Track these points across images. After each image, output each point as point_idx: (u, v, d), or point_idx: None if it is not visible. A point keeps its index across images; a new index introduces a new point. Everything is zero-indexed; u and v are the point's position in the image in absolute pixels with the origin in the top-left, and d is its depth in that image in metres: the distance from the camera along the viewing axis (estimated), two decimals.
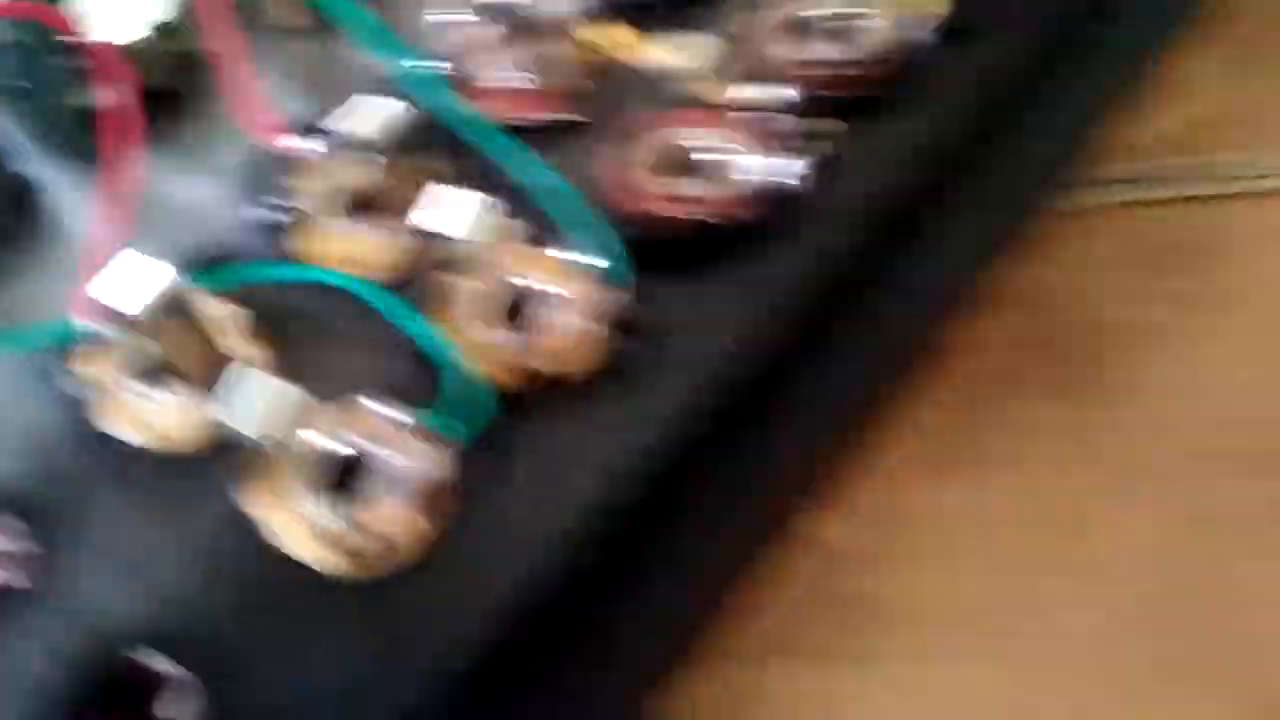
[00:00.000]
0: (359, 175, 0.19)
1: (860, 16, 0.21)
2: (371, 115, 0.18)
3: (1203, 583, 0.30)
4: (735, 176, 0.19)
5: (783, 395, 0.19)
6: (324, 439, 0.16)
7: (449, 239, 0.17)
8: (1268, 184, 0.39)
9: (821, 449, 0.19)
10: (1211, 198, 0.39)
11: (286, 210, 0.19)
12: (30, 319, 0.20)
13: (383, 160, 0.19)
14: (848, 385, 0.19)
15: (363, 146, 0.18)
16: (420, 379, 0.18)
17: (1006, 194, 0.22)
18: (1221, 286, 0.37)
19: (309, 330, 0.19)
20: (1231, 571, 0.30)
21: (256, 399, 0.15)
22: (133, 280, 0.17)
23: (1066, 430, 0.35)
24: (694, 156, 0.20)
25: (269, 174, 0.21)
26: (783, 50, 0.21)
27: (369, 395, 0.17)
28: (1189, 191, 0.38)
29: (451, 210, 0.17)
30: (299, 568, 0.16)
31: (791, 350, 0.18)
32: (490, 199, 0.17)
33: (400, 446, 0.16)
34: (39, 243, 0.21)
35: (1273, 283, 0.37)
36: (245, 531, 0.16)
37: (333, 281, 0.19)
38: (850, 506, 0.31)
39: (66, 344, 0.18)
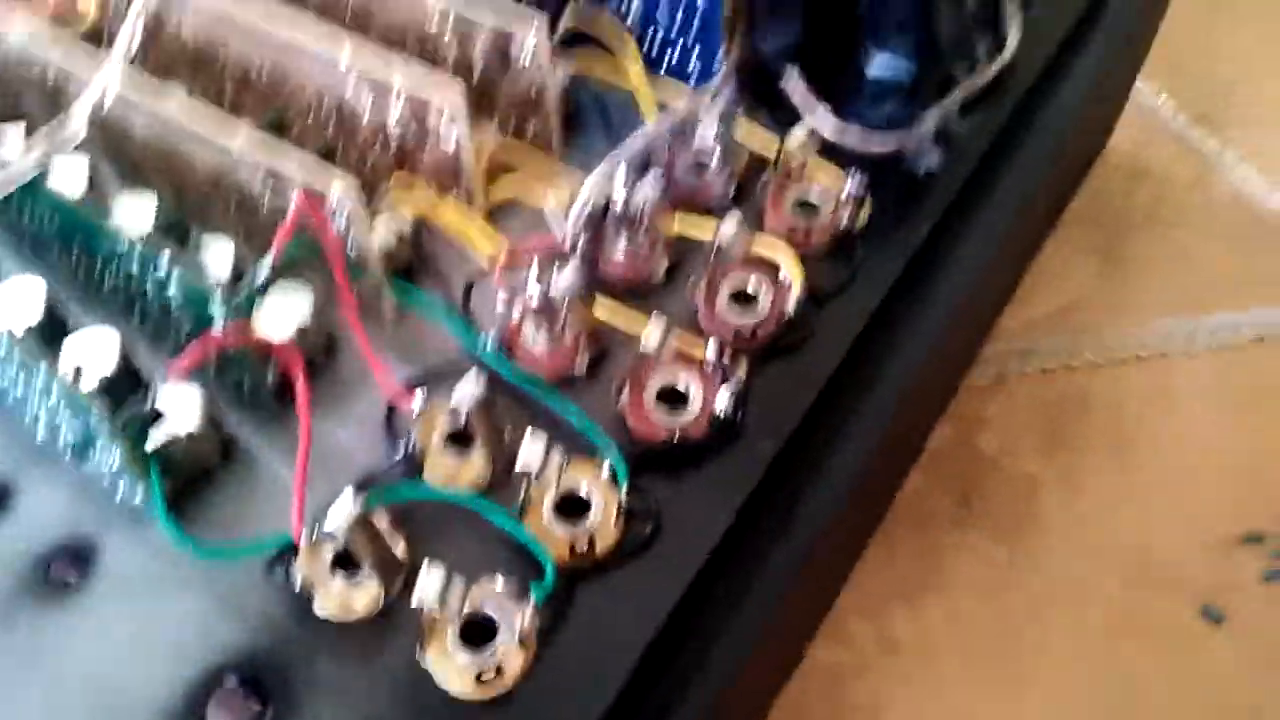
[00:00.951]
0: (457, 423, 0.30)
1: (757, 294, 0.33)
2: (462, 391, 0.29)
3: (1116, 689, 0.41)
4: (694, 407, 0.31)
5: (756, 560, 0.29)
6: (467, 605, 0.26)
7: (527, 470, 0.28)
8: (1128, 353, 0.52)
9: (802, 591, 0.30)
10: (1086, 367, 0.52)
11: (410, 443, 0.30)
12: (242, 532, 0.30)
13: (472, 415, 0.30)
14: (806, 545, 0.30)
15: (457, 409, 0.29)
16: (505, 560, 0.29)
17: (889, 393, 0.33)
18: (1093, 439, 0.51)
19: (436, 530, 0.29)
20: (1135, 665, 0.41)
21: (432, 583, 0.26)
22: (333, 509, 0.27)
23: (993, 562, 0.48)
24: (682, 392, 0.31)
25: (398, 423, 0.32)
26: (714, 316, 0.33)
27: (485, 573, 0.28)
28: (1067, 362, 0.51)
29: (527, 451, 0.28)
30: (451, 698, 0.26)
31: (752, 525, 0.29)
32: (547, 439, 0.28)
33: (508, 607, 0.27)
34: (243, 479, 0.31)
35: (1140, 434, 0.51)
36: (420, 675, 0.26)
37: (445, 498, 0.29)
38: (840, 633, 0.43)
39: (286, 550, 0.29)
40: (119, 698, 0.27)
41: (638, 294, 0.35)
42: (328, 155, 0.36)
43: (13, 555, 0.30)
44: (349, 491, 0.27)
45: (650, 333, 0.30)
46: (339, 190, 0.31)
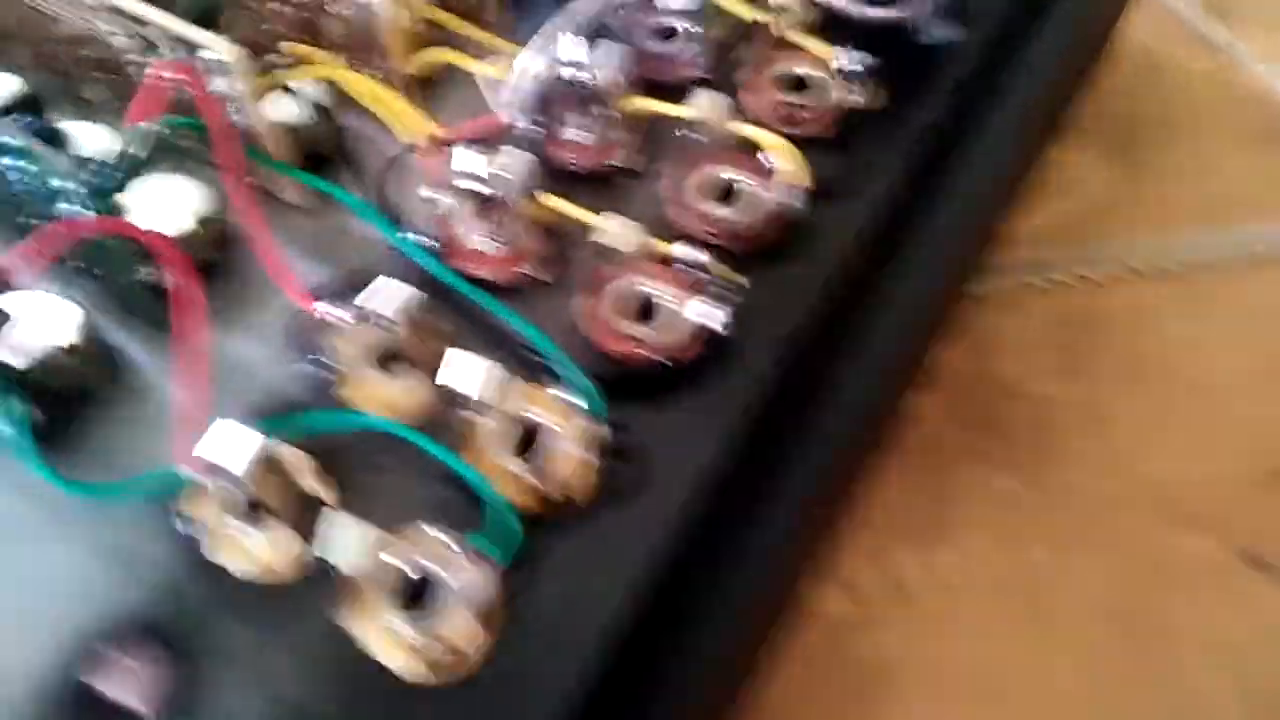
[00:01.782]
0: (384, 338, 0.25)
1: (746, 184, 0.28)
2: (392, 297, 0.24)
3: (1144, 629, 0.37)
4: (676, 321, 0.26)
5: (752, 495, 0.25)
6: (399, 564, 0.21)
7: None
8: (1149, 266, 0.47)
9: (803, 531, 0.25)
10: (1106, 281, 0.47)
11: (330, 367, 0.25)
12: (123, 467, 0.25)
13: (400, 328, 0.24)
14: (805, 481, 0.26)
15: (386, 320, 0.24)
16: (454, 505, 0.24)
17: (906, 305, 0.29)
18: (1114, 361, 0.46)
19: (363, 468, 0.24)
20: (1169, 616, 0.37)
21: (345, 538, 0.21)
22: (229, 441, 0.22)
23: (1011, 500, 0.43)
24: (653, 302, 0.26)
25: (309, 336, 0.26)
26: (692, 213, 0.28)
27: (425, 522, 0.23)
28: (1085, 274, 0.46)
29: (464, 372, 0.23)
30: (390, 676, 0.21)
31: (749, 458, 0.25)
32: (494, 364, 0.23)
33: (458, 567, 0.22)
34: (124, 400, 0.25)
35: (1155, 357, 0.46)
36: (345, 646, 0.22)
37: (379, 426, 0.24)
38: (845, 579, 0.38)
39: (173, 491, 0.24)
40: None
41: (595, 186, 0.30)
42: (207, 18, 0.29)
43: None
44: (253, 432, 0.22)
45: (614, 229, 0.25)
46: (222, 54, 0.25)
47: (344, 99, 0.30)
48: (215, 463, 0.22)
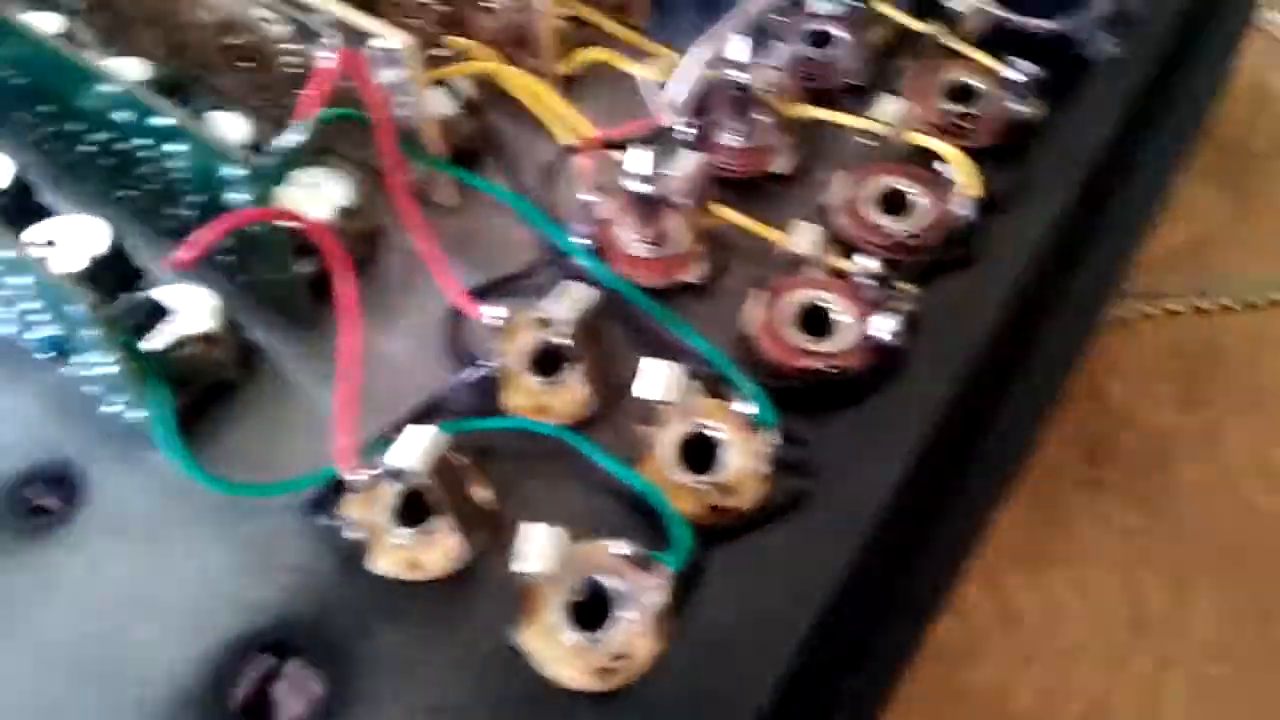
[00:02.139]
0: (545, 338, 0.24)
1: (918, 195, 0.27)
2: (578, 301, 0.23)
3: (1259, 668, 0.35)
4: (850, 334, 0.24)
5: (924, 512, 0.23)
6: (576, 574, 0.20)
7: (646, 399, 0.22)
8: (1263, 298, 0.46)
9: (972, 550, 0.24)
10: (1219, 312, 0.46)
11: (491, 369, 0.24)
12: (260, 464, 0.24)
13: (569, 330, 0.23)
14: (978, 499, 0.24)
15: (560, 324, 0.23)
16: (614, 512, 0.23)
17: (1075, 321, 0.27)
18: (1231, 392, 0.45)
19: (520, 473, 0.23)
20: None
21: (541, 549, 0.20)
22: (413, 445, 0.20)
23: (1126, 530, 0.41)
24: (827, 314, 0.25)
25: (468, 337, 0.25)
26: (864, 223, 0.27)
27: (599, 532, 0.21)
28: (1197, 304, 0.45)
29: (656, 379, 0.22)
30: (553, 684, 0.20)
31: (922, 474, 0.23)
32: (679, 366, 0.22)
33: (632, 578, 0.20)
34: (262, 396, 0.25)
35: (1271, 389, 0.45)
36: (507, 652, 0.20)
37: (544, 431, 0.23)
38: (957, 605, 0.36)
39: (330, 492, 0.23)
40: (117, 668, 0.21)
41: (747, 192, 0.29)
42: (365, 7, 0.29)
43: None
44: (428, 429, 0.21)
45: (799, 239, 0.24)
46: (393, 43, 0.24)
47: (492, 95, 0.30)
48: (399, 466, 0.20)
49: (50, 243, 0.24)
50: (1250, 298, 0.44)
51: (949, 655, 0.35)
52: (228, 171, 0.22)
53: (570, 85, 0.31)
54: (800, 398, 0.24)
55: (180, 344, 0.23)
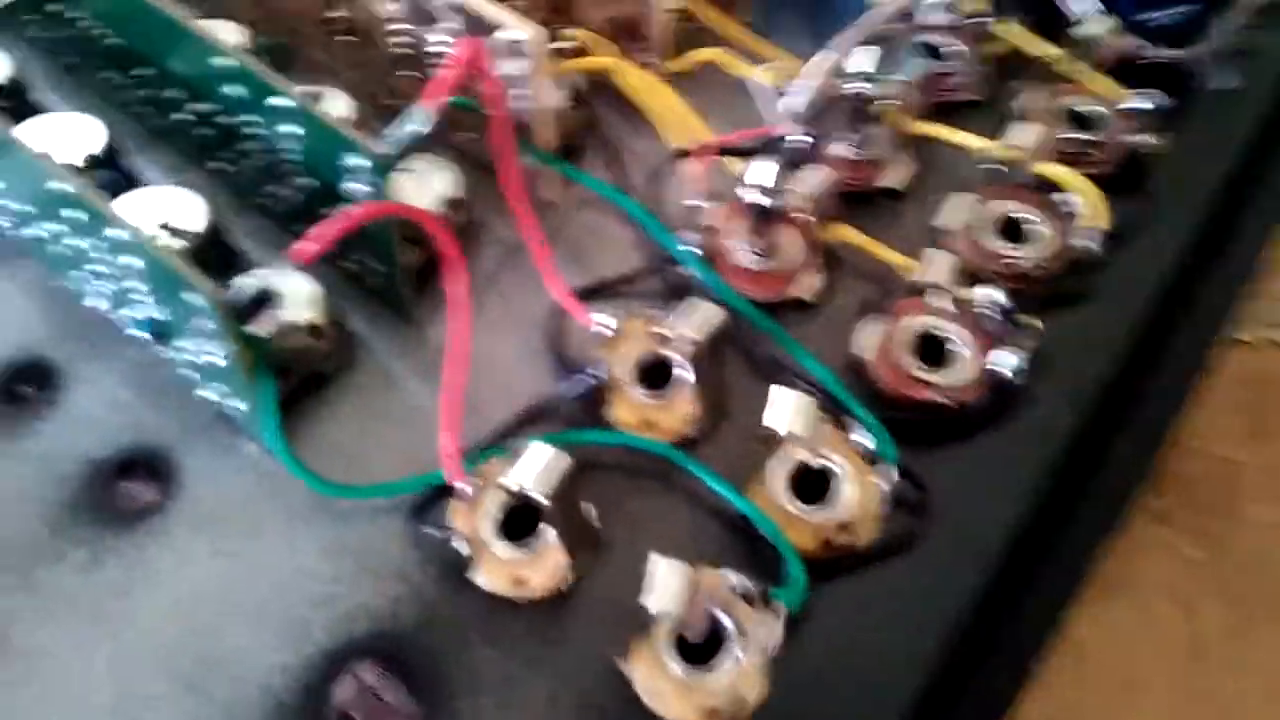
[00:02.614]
0: (661, 353, 0.23)
1: (1038, 223, 0.26)
2: (707, 319, 0.22)
3: None
4: (969, 366, 0.24)
5: (1040, 552, 0.23)
6: (703, 601, 0.20)
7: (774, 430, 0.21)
8: None
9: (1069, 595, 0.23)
10: None
11: (598, 379, 0.23)
12: (355, 461, 0.23)
13: (692, 349, 0.22)
14: (1091, 538, 0.23)
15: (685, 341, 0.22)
16: (720, 538, 0.22)
17: (1191, 355, 0.26)
18: None
19: (628, 491, 0.23)
20: None
21: (670, 584, 0.19)
22: (537, 462, 0.20)
23: (1191, 563, 0.41)
24: (944, 345, 0.24)
25: (569, 340, 0.24)
26: (983, 250, 0.26)
27: (700, 561, 0.21)
28: (1271, 337, 0.45)
29: (780, 408, 0.21)
30: (653, 715, 0.19)
31: (1041, 513, 0.23)
32: (810, 399, 0.21)
33: (748, 615, 0.20)
34: (362, 392, 0.24)
35: None
36: (606, 678, 0.20)
37: (653, 449, 0.22)
38: None
39: (433, 496, 0.22)
40: (207, 669, 0.20)
41: (858, 207, 0.27)
42: None
43: (65, 464, 0.22)
44: (535, 443, 0.20)
45: (932, 268, 0.23)
46: (521, 34, 0.23)
47: (598, 89, 0.29)
48: (524, 488, 0.20)
49: (162, 223, 0.23)
50: None
51: None
52: (350, 160, 0.22)
53: (674, 83, 0.30)
54: (913, 430, 0.23)
55: (285, 333, 0.22)
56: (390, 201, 0.21)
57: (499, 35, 0.23)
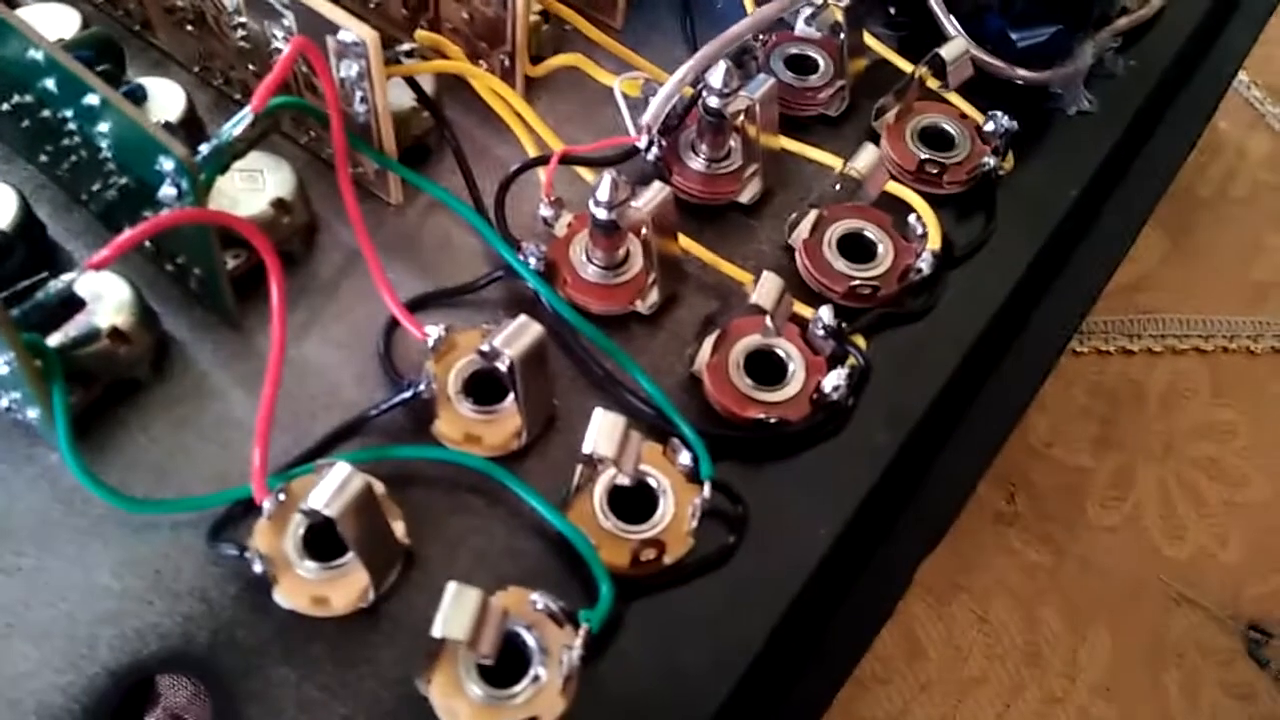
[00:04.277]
0: (485, 367, 0.23)
1: (882, 243, 0.26)
2: (524, 338, 0.21)
3: (1144, 712, 0.36)
4: (797, 385, 0.24)
5: (854, 570, 0.23)
6: (496, 627, 0.19)
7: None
8: (1186, 343, 0.47)
9: (885, 609, 0.23)
10: (1139, 353, 0.47)
11: (419, 389, 0.22)
12: (166, 475, 0.22)
13: (509, 365, 0.22)
14: (910, 554, 0.24)
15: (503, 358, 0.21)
16: (545, 556, 0.22)
17: (1017, 378, 0.27)
18: (1145, 437, 0.46)
19: (448, 506, 0.22)
20: (1169, 702, 0.38)
21: (461, 611, 0.18)
22: (331, 481, 0.19)
23: (1033, 567, 0.43)
24: (777, 364, 0.24)
25: (403, 349, 0.24)
26: (825, 267, 0.26)
27: (509, 579, 0.20)
28: (1125, 346, 0.47)
29: (599, 431, 0.20)
30: None
31: (858, 530, 0.23)
32: (621, 419, 0.21)
33: (554, 635, 0.20)
34: (175, 400, 0.23)
35: (1186, 437, 0.46)
36: (420, 706, 0.19)
37: (473, 465, 0.22)
38: None
39: (239, 512, 0.21)
40: None
41: (708, 220, 0.27)
42: None
43: None
44: (338, 463, 0.19)
45: (761, 291, 0.23)
46: (356, 36, 0.23)
47: (452, 91, 0.28)
48: (315, 507, 0.19)
49: None
50: (1174, 342, 0.45)
51: (853, 679, 0.36)
52: (163, 163, 0.21)
53: (545, 87, 0.29)
54: (743, 446, 0.23)
55: (87, 339, 0.21)
56: (196, 208, 0.21)
57: (336, 36, 0.22)
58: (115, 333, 0.22)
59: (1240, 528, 0.43)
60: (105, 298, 0.22)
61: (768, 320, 0.23)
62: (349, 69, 0.23)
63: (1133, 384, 0.47)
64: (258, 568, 0.20)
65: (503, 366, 0.21)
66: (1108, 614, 0.38)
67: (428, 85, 0.27)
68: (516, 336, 0.21)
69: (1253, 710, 0.37)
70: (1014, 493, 0.42)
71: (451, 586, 0.18)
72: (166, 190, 0.21)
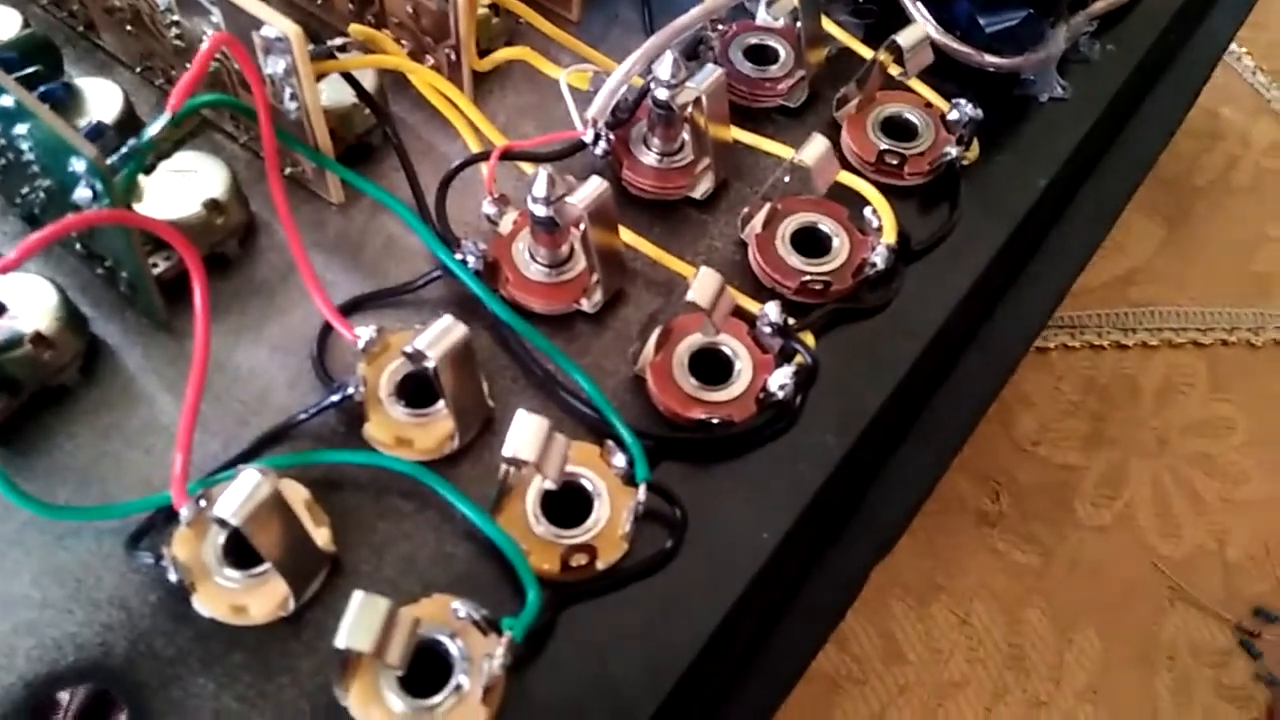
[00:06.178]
0: (417, 372, 0.22)
1: (836, 237, 0.25)
2: (440, 339, 0.20)
3: (1130, 716, 0.34)
4: (743, 385, 0.23)
5: (796, 577, 0.22)
6: (405, 637, 0.19)
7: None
8: (1182, 335, 0.46)
9: (833, 615, 0.22)
10: (1133, 346, 0.46)
11: (349, 393, 0.22)
12: (90, 481, 0.21)
13: (434, 366, 0.21)
14: (858, 561, 0.23)
15: (428, 359, 0.21)
16: (477, 561, 0.21)
17: (979, 377, 0.26)
18: (1138, 434, 0.45)
19: (368, 509, 0.21)
20: (1159, 704, 0.37)
21: (367, 620, 0.17)
22: (240, 489, 0.18)
23: (1017, 567, 0.42)
24: (722, 362, 0.23)
25: (337, 352, 0.23)
26: (779, 264, 0.25)
27: (438, 585, 0.20)
28: (1119, 340, 0.45)
29: (519, 434, 0.20)
30: None
31: (804, 535, 0.22)
32: (544, 422, 0.20)
33: (478, 643, 0.19)
34: (101, 405, 0.22)
35: (1179, 434, 0.44)
36: (340, 716, 0.19)
37: (407, 471, 0.21)
38: (841, 634, 0.36)
39: (161, 520, 0.21)
40: None
41: (660, 214, 0.27)
42: None
43: None
44: (255, 471, 0.19)
45: (699, 287, 0.22)
46: (278, 31, 0.22)
47: (398, 88, 0.27)
48: (221, 515, 0.18)
49: None
50: (1170, 334, 0.43)
51: (829, 681, 0.35)
52: (76, 163, 0.20)
53: (489, 77, 0.29)
54: (683, 447, 0.23)
55: (9, 345, 0.21)
56: (111, 209, 0.20)
57: (260, 32, 0.22)
58: (39, 338, 0.21)
59: (1240, 525, 0.41)
60: (30, 302, 0.22)
61: (706, 318, 0.22)
62: (275, 65, 0.23)
63: (1126, 378, 0.45)
64: (173, 576, 0.19)
65: (427, 368, 0.20)
66: (1097, 616, 0.36)
67: (369, 82, 0.26)
68: (440, 338, 0.20)
69: (1246, 715, 0.36)
70: (999, 492, 0.40)
71: (358, 596, 0.18)
72: (81, 192, 0.20)
